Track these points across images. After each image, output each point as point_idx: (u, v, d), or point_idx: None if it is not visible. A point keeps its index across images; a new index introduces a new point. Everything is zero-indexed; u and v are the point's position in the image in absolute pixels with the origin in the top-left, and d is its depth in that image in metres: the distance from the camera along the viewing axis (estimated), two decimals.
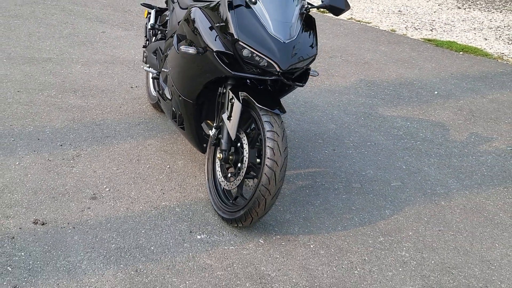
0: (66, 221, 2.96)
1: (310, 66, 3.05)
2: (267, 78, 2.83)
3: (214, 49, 2.86)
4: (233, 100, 2.92)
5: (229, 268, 2.71)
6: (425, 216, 3.31)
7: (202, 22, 3.02)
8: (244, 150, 2.92)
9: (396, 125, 4.58)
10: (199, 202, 3.25)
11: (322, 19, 7.97)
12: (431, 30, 7.91)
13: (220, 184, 3.14)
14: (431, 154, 4.13)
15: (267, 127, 2.75)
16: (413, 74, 5.87)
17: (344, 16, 8.12)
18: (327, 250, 2.92)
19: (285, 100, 4.87)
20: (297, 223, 3.13)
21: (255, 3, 2.84)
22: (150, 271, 2.64)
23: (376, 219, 3.24)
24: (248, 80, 3.02)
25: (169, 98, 3.52)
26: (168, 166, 3.62)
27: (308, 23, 3.01)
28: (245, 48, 2.77)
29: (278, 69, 2.77)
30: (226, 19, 2.83)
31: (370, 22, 7.99)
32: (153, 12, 4.22)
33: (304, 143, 4.12)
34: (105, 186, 3.33)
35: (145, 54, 4.40)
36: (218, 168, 3.14)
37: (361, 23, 7.89)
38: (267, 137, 2.74)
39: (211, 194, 3.18)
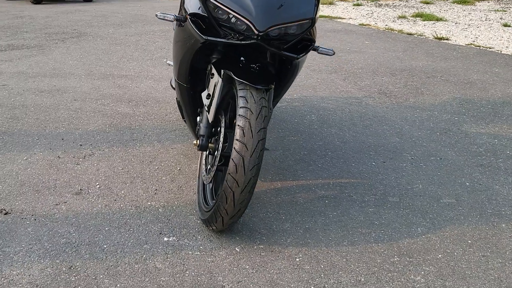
0: (32, 213, 2.63)
1: (314, 38, 2.48)
2: (243, 42, 2.30)
3: (189, 12, 2.41)
4: (214, 74, 2.43)
5: (177, 275, 2.17)
6: (470, 239, 2.48)
7: None
8: (221, 134, 2.39)
9: (478, 142, 3.71)
10: (188, 205, 2.75)
11: (436, 44, 7.16)
12: None
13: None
14: None
15: (240, 102, 2.21)
16: None
17: (463, 42, 7.24)
18: (315, 265, 2.25)
19: (351, 115, 4.23)
20: (293, 233, 2.49)
21: None
22: (84, 270, 2.18)
23: (400, 236, 2.48)
24: (242, 58, 2.50)
25: (173, 87, 3.11)
26: (179, 168, 3.18)
27: None
28: (217, 6, 2.28)
29: (255, 31, 2.23)
30: None
31: (492, 47, 7.00)
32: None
33: (351, 154, 3.45)
34: (97, 184, 2.97)
35: None
36: (203, 161, 2.63)
37: (481, 48, 6.94)
38: (239, 115, 2.19)
39: (198, 192, 2.67)
